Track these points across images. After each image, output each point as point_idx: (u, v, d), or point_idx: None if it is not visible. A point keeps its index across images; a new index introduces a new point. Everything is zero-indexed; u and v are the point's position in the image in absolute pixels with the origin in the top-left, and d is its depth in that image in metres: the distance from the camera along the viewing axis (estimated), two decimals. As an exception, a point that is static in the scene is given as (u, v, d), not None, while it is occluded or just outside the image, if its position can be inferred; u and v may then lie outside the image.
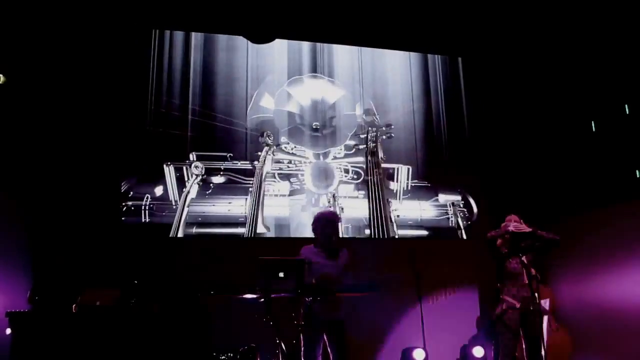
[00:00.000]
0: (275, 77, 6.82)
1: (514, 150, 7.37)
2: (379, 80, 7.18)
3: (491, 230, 4.52)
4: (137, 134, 6.12)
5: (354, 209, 6.63)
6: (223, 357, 3.01)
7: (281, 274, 3.76)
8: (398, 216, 6.76)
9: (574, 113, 7.18)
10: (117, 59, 6.18)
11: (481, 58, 7.52)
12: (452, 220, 6.90)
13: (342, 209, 6.63)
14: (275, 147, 6.68)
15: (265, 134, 6.69)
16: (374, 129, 7.12)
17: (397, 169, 6.92)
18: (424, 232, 6.80)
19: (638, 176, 6.55)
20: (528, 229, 4.32)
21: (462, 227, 6.94)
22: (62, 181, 5.92)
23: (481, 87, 7.41)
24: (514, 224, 4.36)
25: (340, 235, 5.86)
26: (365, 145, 7.01)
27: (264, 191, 6.41)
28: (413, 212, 6.81)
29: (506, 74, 7.39)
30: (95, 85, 6.04)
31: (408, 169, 6.94)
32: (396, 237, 6.73)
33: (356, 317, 5.03)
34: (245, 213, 6.25)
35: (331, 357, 4.14)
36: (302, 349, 4.08)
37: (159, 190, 6.03)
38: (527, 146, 7.34)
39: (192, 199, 6.17)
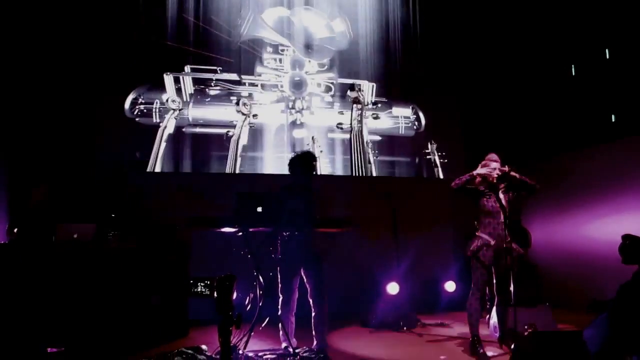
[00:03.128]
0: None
1: (488, 89, 7.45)
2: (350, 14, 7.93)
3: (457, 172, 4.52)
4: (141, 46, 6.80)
5: (325, 117, 7.53)
6: (201, 284, 3.05)
7: (259, 209, 3.78)
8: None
9: (553, 56, 7.16)
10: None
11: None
12: (401, 128, 7.79)
13: (322, 151, 7.22)
14: (252, 117, 6.93)
15: (240, 102, 6.70)
16: (359, 106, 7.32)
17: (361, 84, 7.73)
18: (378, 137, 7.71)
19: (614, 120, 6.63)
20: (502, 169, 4.33)
21: (436, 158, 7.74)
22: (38, 115, 5.81)
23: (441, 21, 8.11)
24: (484, 169, 4.35)
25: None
26: (349, 125, 7.34)
27: (239, 165, 6.79)
28: (370, 122, 7.71)
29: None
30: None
31: (372, 85, 7.68)
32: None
33: (334, 252, 5.12)
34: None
35: (308, 290, 4.23)
36: (280, 281, 4.17)
37: (165, 97, 6.96)
38: (502, 85, 7.39)
39: (170, 134, 6.82)
